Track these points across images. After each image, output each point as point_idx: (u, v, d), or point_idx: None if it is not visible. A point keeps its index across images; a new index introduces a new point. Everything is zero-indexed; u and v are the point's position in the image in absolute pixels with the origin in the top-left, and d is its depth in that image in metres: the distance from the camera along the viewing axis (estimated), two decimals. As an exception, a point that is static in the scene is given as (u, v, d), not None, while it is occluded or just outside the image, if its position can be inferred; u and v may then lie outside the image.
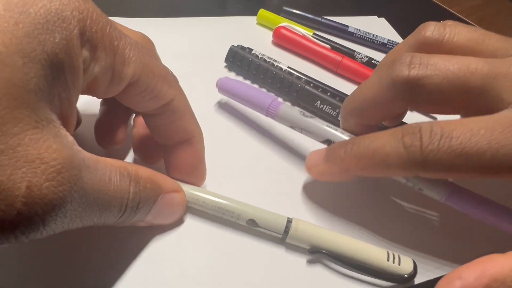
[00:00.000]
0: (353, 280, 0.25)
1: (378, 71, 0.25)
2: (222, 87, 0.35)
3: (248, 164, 0.31)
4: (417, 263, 0.24)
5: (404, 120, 0.32)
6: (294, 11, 0.49)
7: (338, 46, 0.45)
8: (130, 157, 0.30)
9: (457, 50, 0.24)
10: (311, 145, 0.33)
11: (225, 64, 0.40)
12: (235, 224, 0.26)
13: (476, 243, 0.27)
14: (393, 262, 0.24)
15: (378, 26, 0.52)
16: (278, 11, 0.49)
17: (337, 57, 0.43)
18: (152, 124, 0.24)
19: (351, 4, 0.57)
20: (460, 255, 0.26)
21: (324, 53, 0.43)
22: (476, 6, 0.61)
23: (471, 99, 0.22)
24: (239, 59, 0.39)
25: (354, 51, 0.45)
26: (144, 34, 0.26)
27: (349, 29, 0.49)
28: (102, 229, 0.24)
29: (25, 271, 0.23)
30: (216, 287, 0.23)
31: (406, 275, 0.24)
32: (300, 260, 0.25)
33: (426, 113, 0.39)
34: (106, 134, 0.26)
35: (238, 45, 0.40)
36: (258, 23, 0.48)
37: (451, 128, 0.20)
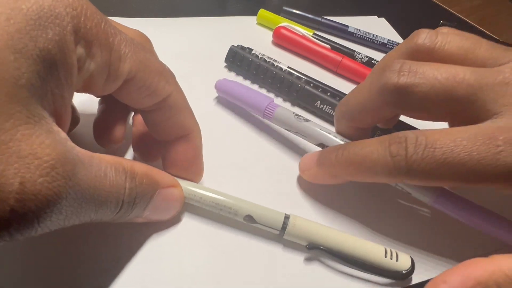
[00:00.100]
0: (351, 277, 0.25)
1: (370, 77, 0.26)
2: (220, 88, 0.35)
3: (247, 163, 0.31)
4: (415, 261, 0.24)
5: (402, 119, 0.32)
6: (294, 11, 0.50)
7: (338, 46, 0.45)
8: (129, 155, 0.30)
9: (448, 58, 0.24)
10: (308, 145, 0.33)
11: (225, 64, 0.40)
12: (233, 223, 0.26)
13: (475, 242, 0.27)
14: (391, 259, 0.24)
15: (378, 26, 0.52)
16: (278, 11, 0.49)
17: (337, 57, 0.43)
18: (150, 120, 0.24)
19: (351, 4, 0.57)
20: (459, 254, 0.26)
21: (324, 53, 0.43)
22: (476, 6, 0.61)
23: (458, 108, 0.23)
24: (239, 59, 0.39)
25: (354, 51, 0.45)
26: (141, 32, 0.26)
27: (349, 29, 0.49)
28: (102, 229, 0.24)
29: (25, 271, 0.23)
30: (214, 286, 0.23)
31: (403, 271, 0.24)
32: (297, 258, 0.25)
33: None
34: (104, 133, 0.26)
35: (238, 45, 0.40)
36: (258, 23, 0.49)
37: (435, 138, 0.21)
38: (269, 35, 0.46)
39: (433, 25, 0.51)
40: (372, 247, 0.24)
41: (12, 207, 0.14)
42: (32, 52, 0.15)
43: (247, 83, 0.39)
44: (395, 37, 0.51)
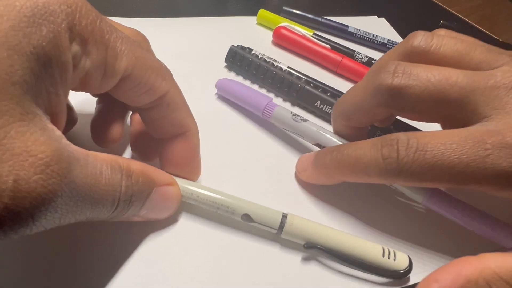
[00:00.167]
0: (348, 277, 0.25)
1: (366, 77, 0.27)
2: (221, 87, 0.36)
3: (246, 163, 0.31)
4: (412, 260, 0.24)
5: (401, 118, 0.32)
6: (294, 11, 0.50)
7: (338, 46, 0.45)
8: (128, 155, 0.30)
9: (443, 60, 0.25)
10: (307, 144, 0.33)
11: (225, 64, 0.40)
12: (230, 222, 0.26)
13: (474, 242, 0.27)
14: (389, 258, 0.24)
15: (378, 26, 0.52)
16: (278, 11, 0.49)
17: (337, 57, 0.43)
18: (147, 118, 0.24)
19: (351, 4, 0.57)
20: (457, 253, 0.26)
21: (324, 53, 0.43)
22: (476, 6, 0.61)
23: (450, 111, 0.23)
24: (239, 59, 0.39)
25: (354, 51, 0.45)
26: (137, 30, 0.26)
27: (349, 29, 0.49)
28: (101, 229, 0.24)
29: (25, 271, 0.23)
30: (212, 285, 0.23)
31: (401, 271, 0.24)
32: (295, 257, 0.25)
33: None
34: (102, 132, 0.26)
35: (238, 45, 0.40)
36: (258, 23, 0.49)
37: (426, 141, 0.22)
38: (269, 35, 0.46)
39: (433, 25, 0.51)
40: (370, 247, 0.24)
41: (6, 205, 0.14)
42: (26, 49, 0.15)
43: (247, 83, 0.39)
44: (395, 37, 0.51)
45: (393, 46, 0.47)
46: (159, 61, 0.23)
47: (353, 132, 0.29)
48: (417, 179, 0.22)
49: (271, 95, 0.39)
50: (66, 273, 0.23)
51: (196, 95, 0.36)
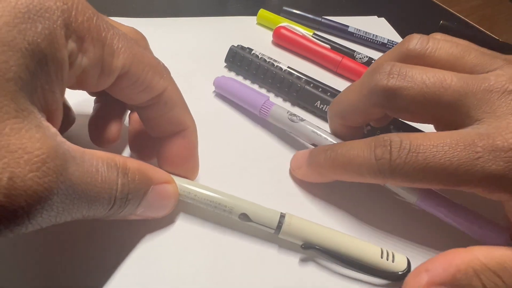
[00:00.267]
0: (346, 278, 0.24)
1: (362, 78, 0.27)
2: (219, 85, 0.36)
3: (246, 162, 0.31)
4: (411, 262, 0.24)
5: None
6: (294, 11, 0.50)
7: (338, 46, 0.45)
8: (126, 154, 0.30)
9: (438, 64, 0.25)
10: (304, 143, 0.33)
11: (225, 64, 0.40)
12: (227, 221, 0.26)
13: (473, 242, 0.27)
14: (387, 259, 0.24)
15: (378, 26, 0.52)
16: (278, 11, 0.49)
17: (337, 57, 0.43)
18: (145, 116, 0.24)
19: (351, 4, 0.57)
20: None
21: (324, 53, 0.43)
22: (476, 6, 0.61)
23: (443, 113, 0.23)
24: (239, 59, 0.39)
25: (354, 51, 0.45)
26: (135, 29, 0.26)
27: (349, 29, 0.49)
28: (100, 229, 0.24)
29: (25, 271, 0.23)
30: (209, 285, 0.23)
31: (399, 272, 0.23)
32: (293, 258, 0.25)
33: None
34: (100, 132, 0.26)
35: (238, 45, 0.40)
36: (258, 23, 0.49)
37: (419, 143, 0.22)
38: (269, 35, 0.46)
39: (433, 25, 0.51)
40: (368, 248, 0.24)
41: (1, 203, 0.13)
42: (20, 45, 0.15)
43: (247, 83, 0.39)
44: (395, 37, 0.50)
45: (393, 46, 0.47)
46: (157, 59, 0.23)
47: (348, 131, 0.29)
48: (409, 180, 0.22)
49: (271, 95, 0.39)
50: (65, 273, 0.23)
51: (196, 95, 0.36)
